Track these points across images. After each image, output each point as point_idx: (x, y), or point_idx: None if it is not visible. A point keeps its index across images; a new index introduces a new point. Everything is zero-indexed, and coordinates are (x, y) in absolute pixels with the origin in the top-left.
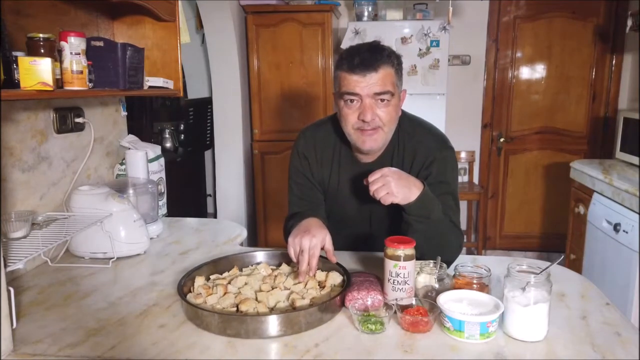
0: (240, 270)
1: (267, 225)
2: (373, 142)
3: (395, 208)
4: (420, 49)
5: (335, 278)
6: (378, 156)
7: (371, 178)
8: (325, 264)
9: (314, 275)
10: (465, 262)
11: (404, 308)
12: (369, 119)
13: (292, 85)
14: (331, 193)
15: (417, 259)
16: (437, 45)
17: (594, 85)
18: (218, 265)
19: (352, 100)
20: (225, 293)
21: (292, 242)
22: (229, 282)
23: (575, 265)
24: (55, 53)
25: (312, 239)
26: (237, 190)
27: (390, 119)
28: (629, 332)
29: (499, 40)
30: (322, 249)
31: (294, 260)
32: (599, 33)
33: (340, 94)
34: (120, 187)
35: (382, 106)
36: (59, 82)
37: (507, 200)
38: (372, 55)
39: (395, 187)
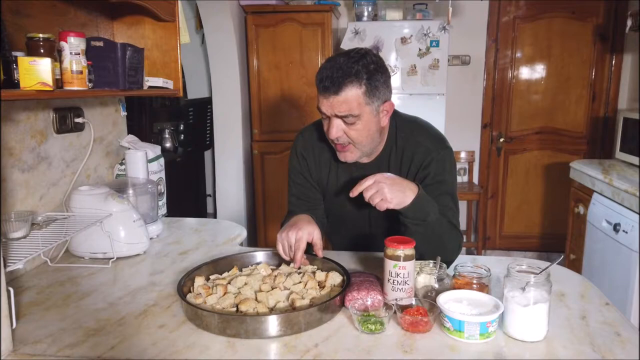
0: (240, 270)
1: (266, 225)
2: (348, 156)
3: (392, 209)
4: (420, 49)
5: (335, 278)
6: (376, 157)
7: (364, 185)
8: (325, 264)
9: (313, 274)
10: (465, 262)
11: (403, 308)
12: (333, 137)
13: (291, 86)
14: (330, 193)
15: (417, 259)
16: (437, 45)
17: (594, 85)
18: (218, 266)
19: (323, 116)
20: (225, 293)
21: (279, 237)
22: (229, 282)
23: (575, 265)
24: (55, 53)
25: (298, 232)
26: (237, 190)
27: (360, 137)
28: (628, 332)
29: (498, 40)
30: (311, 243)
31: (282, 255)
32: (599, 33)
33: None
34: (120, 187)
35: (349, 125)
36: (58, 82)
37: (506, 200)
38: (337, 76)
39: (389, 193)
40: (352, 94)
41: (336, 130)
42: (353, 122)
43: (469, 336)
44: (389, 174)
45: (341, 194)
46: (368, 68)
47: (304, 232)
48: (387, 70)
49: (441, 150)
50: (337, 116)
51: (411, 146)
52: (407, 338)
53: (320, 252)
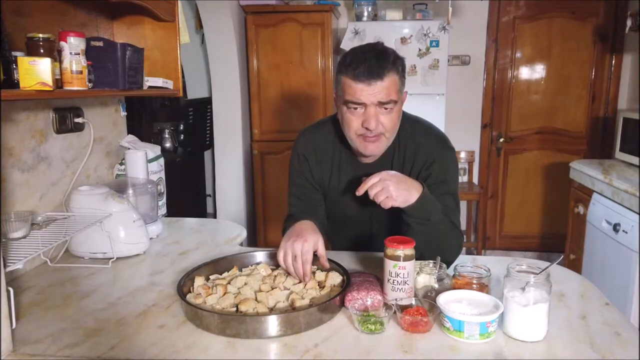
0: (240, 270)
1: (266, 226)
2: (375, 148)
3: (395, 209)
4: (419, 49)
5: (335, 278)
6: (378, 157)
7: (369, 182)
8: None
9: (313, 274)
10: (464, 262)
11: (403, 308)
12: (373, 127)
13: (291, 86)
14: (331, 194)
15: (417, 259)
16: (437, 45)
17: (594, 86)
18: (218, 266)
19: (355, 108)
20: (224, 293)
21: (284, 245)
22: (229, 282)
23: (575, 265)
24: (54, 53)
25: (305, 244)
26: (236, 191)
27: (393, 125)
28: (628, 332)
29: (498, 40)
30: (315, 253)
31: (282, 264)
32: (599, 33)
33: (344, 101)
34: (119, 187)
35: (386, 113)
36: (58, 82)
37: (506, 200)
38: (378, 63)
39: (394, 191)
40: (393, 80)
41: (375, 120)
42: (391, 109)
43: (469, 336)
44: (393, 172)
45: (344, 195)
46: (396, 55)
47: (310, 245)
48: None
49: (444, 151)
50: (379, 103)
51: (413, 146)
52: (407, 338)
53: (326, 263)
